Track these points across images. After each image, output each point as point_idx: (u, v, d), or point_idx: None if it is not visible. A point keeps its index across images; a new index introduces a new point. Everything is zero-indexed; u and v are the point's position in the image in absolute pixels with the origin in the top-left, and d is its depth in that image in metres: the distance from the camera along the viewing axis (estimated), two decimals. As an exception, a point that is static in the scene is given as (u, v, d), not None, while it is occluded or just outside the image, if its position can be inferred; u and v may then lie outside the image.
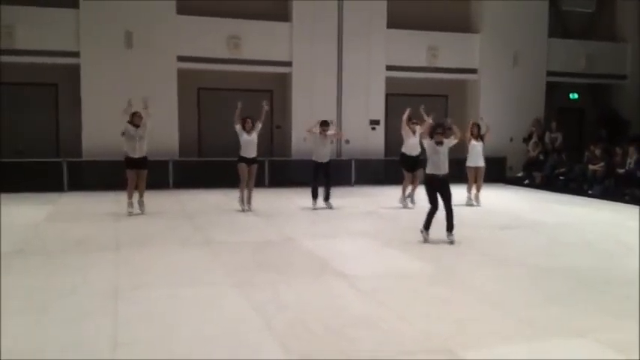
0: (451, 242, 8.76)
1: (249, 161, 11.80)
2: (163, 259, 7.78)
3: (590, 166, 15.46)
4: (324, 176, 12.29)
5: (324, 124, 12.26)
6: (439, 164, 8.85)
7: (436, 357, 4.64)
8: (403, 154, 12.43)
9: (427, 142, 9.14)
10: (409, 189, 12.43)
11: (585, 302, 6.14)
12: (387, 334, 5.09)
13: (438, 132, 9.07)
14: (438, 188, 8.85)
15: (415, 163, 12.19)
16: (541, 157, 17.41)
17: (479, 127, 13.22)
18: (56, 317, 5.42)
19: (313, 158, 12.27)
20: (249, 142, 11.73)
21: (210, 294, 6.25)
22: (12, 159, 14.40)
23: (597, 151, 15.60)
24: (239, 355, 4.64)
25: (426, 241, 8.87)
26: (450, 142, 9.14)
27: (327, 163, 12.26)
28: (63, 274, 7.01)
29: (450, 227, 8.84)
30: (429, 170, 8.97)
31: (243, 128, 11.70)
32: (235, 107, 11.80)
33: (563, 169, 16.62)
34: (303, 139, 12.73)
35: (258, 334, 5.07)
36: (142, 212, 11.30)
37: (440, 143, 8.95)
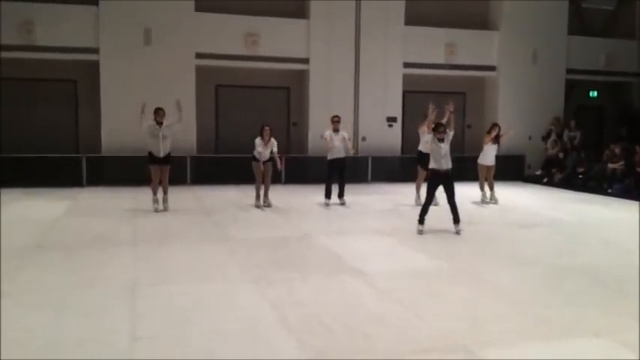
0: (457, 232, 9.33)
1: (263, 160, 11.84)
2: (181, 255, 7.83)
3: (610, 165, 15.31)
4: (338, 174, 12.31)
5: (335, 118, 12.31)
6: (441, 160, 9.35)
7: (453, 355, 4.63)
8: (420, 152, 12.40)
9: (430, 139, 9.74)
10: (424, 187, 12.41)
11: (603, 301, 6.09)
12: (403, 331, 5.09)
13: (439, 130, 9.46)
14: (440, 182, 9.42)
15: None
16: (560, 155, 17.28)
17: (499, 128, 13.11)
18: (74, 311, 5.47)
19: (328, 157, 12.28)
20: (263, 152, 11.73)
21: (227, 290, 6.28)
22: (31, 154, 14.55)
23: (617, 150, 15.45)
24: (255, 350, 4.66)
25: (420, 232, 9.33)
26: (449, 135, 9.52)
27: (343, 159, 12.27)
28: (81, 268, 7.08)
29: (456, 220, 9.42)
30: (431, 165, 9.53)
31: (261, 136, 11.67)
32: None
33: (582, 168, 16.47)
34: (320, 137, 12.73)
35: (274, 330, 5.09)
36: (166, 209, 11.31)
37: (441, 140, 9.37)
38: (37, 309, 5.51)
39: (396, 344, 4.82)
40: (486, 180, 13.11)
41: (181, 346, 4.71)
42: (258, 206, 11.88)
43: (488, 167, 13.06)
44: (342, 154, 12.27)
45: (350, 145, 12.50)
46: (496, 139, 13.03)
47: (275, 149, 11.83)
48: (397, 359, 4.55)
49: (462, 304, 5.89)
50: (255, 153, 11.69)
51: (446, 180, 9.40)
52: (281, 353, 4.63)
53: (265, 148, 11.72)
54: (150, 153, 11.14)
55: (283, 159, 12.03)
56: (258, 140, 11.69)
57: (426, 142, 12.20)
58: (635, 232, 9.98)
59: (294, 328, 5.12)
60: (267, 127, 11.71)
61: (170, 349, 4.65)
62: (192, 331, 5.02)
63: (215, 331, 5.04)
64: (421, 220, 9.45)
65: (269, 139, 11.71)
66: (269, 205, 11.90)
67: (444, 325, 5.23)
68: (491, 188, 13.07)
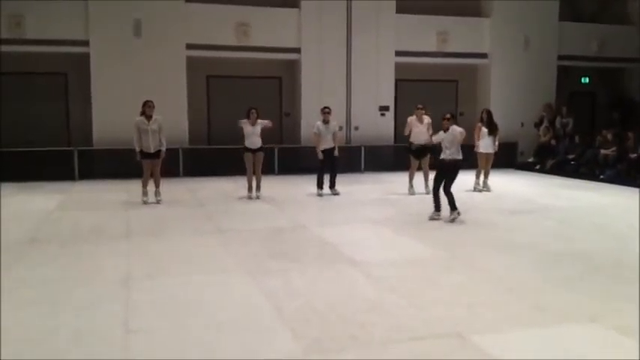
0: (452, 220, 9.37)
1: (253, 150, 11.81)
2: (175, 247, 7.82)
3: (602, 151, 15.35)
4: (329, 163, 12.28)
5: (325, 109, 12.27)
6: (444, 150, 9.60)
7: (447, 342, 4.64)
8: (410, 142, 12.43)
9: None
10: (421, 177, 12.43)
11: (597, 287, 6.12)
12: (398, 319, 5.10)
13: (445, 117, 9.78)
14: (442, 171, 9.59)
15: (421, 150, 12.24)
16: (552, 142, 17.31)
17: (489, 113, 13.09)
18: (69, 305, 5.46)
19: (320, 148, 12.24)
20: (252, 134, 11.68)
21: (222, 281, 6.27)
22: (23, 148, 14.47)
23: (609, 136, 15.49)
24: (251, 340, 4.66)
25: (433, 219, 9.52)
26: (455, 132, 9.64)
27: (333, 149, 12.24)
28: (76, 262, 7.06)
29: (451, 208, 9.47)
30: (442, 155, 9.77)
31: (248, 118, 11.67)
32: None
33: (574, 154, 16.51)
34: (312, 126, 12.69)
35: (269, 321, 5.09)
36: (158, 202, 11.22)
37: (445, 130, 9.64)
38: (31, 303, 5.49)
39: (391, 332, 4.83)
40: (483, 168, 13.09)
41: (176, 338, 4.70)
42: (250, 197, 11.85)
43: (487, 155, 13.03)
44: (332, 144, 12.23)
45: (339, 137, 12.50)
46: (490, 126, 12.96)
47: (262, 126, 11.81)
48: (392, 347, 4.56)
49: (456, 290, 5.90)
50: (241, 123, 11.67)
51: (446, 170, 9.50)
52: (276, 343, 4.64)
53: (253, 127, 11.64)
54: (141, 150, 11.00)
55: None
56: (243, 120, 11.69)
57: (417, 132, 12.29)
58: (627, 218, 10.04)
59: (289, 318, 5.12)
60: (253, 110, 11.69)
61: (165, 341, 4.64)
62: (187, 323, 5.01)
63: (210, 322, 5.04)
64: (436, 207, 9.56)
65: (255, 121, 11.66)
66: (258, 198, 11.84)
67: (439, 312, 5.24)
68: (486, 176, 13.08)
